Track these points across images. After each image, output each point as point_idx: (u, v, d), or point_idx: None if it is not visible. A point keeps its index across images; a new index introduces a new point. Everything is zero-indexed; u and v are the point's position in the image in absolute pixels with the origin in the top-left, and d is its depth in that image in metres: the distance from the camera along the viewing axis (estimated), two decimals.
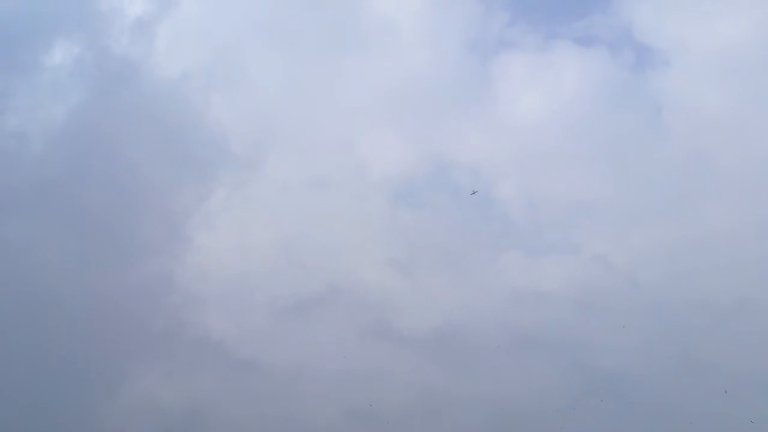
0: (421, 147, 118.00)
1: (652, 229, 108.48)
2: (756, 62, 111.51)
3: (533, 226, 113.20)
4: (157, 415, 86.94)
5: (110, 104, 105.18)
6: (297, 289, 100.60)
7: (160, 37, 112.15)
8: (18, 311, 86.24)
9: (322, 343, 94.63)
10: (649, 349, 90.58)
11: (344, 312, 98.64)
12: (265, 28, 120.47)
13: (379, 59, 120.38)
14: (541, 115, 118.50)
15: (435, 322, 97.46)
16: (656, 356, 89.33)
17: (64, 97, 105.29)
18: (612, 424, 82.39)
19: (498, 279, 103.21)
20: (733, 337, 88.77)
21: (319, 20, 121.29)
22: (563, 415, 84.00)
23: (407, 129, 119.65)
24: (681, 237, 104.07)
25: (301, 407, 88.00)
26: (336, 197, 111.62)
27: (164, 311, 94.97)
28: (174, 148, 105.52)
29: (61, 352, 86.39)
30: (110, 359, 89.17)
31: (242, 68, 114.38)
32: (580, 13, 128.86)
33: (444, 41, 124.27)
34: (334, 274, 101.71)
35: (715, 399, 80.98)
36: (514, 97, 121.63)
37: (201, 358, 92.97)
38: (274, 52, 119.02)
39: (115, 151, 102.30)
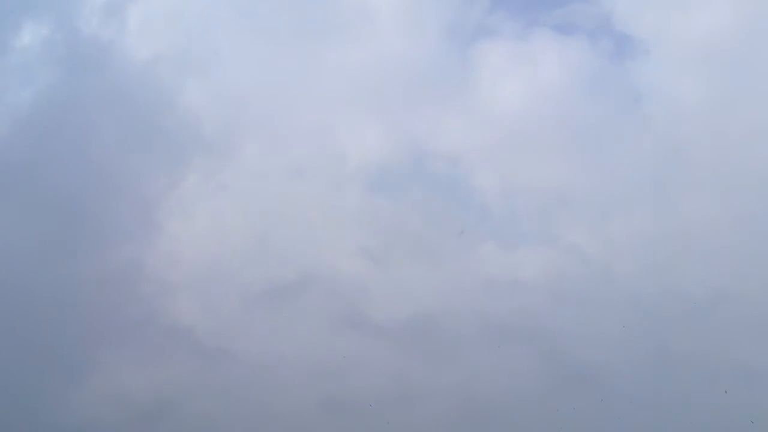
0: (398, 135, 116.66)
1: (629, 220, 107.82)
2: (736, 52, 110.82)
3: (510, 215, 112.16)
4: (127, 404, 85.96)
5: (79, 87, 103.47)
6: (270, 277, 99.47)
7: (131, 18, 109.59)
8: None
9: (295, 332, 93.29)
10: (625, 339, 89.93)
11: (318, 301, 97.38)
12: (240, 11, 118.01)
13: (357, 45, 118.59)
14: (520, 103, 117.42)
15: (409, 311, 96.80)
16: (632, 347, 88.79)
17: (32, 79, 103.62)
18: (587, 414, 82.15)
19: (473, 268, 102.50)
20: (710, 328, 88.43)
21: (296, 3, 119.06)
22: (538, 404, 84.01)
23: (384, 116, 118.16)
24: (658, 228, 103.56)
25: (274, 396, 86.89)
26: (311, 185, 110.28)
27: (134, 299, 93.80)
28: (145, 133, 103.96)
29: (28, 339, 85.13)
30: (78, 347, 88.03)
31: (215, 52, 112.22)
32: (560, 1, 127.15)
33: (422, 27, 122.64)
34: (308, 262, 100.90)
35: (691, 390, 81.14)
36: (493, 85, 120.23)
37: (171, 347, 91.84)
38: (249, 35, 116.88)
39: (84, 135, 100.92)
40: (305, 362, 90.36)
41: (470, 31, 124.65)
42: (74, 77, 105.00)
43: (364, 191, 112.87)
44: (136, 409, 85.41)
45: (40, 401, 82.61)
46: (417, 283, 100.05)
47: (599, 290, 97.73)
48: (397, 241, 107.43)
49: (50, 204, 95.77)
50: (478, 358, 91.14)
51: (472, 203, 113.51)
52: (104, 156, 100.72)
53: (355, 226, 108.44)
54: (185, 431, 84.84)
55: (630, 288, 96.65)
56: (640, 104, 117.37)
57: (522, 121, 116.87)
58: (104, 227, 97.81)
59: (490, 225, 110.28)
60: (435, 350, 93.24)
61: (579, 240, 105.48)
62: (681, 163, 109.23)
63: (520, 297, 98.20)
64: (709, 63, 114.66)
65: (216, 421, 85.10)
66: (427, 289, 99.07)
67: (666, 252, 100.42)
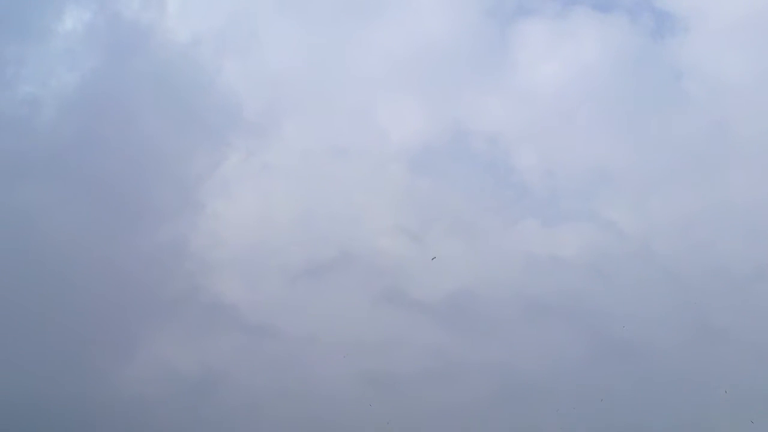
0: (439, 114, 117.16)
1: (669, 197, 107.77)
2: None
3: (550, 193, 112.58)
4: (173, 380, 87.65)
5: (122, 70, 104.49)
6: (312, 254, 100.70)
7: (171, 1, 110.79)
8: (31, 279, 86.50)
9: (336, 308, 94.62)
10: (665, 316, 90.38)
11: (358, 278, 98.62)
12: None
13: (397, 25, 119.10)
14: (560, 82, 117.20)
15: (449, 288, 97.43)
16: (672, 323, 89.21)
17: (76, 63, 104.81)
18: (628, 390, 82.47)
19: (513, 246, 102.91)
20: (751, 304, 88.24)
21: None
22: (578, 380, 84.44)
23: (425, 97, 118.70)
24: (699, 205, 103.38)
25: (315, 372, 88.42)
26: (353, 164, 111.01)
27: (178, 277, 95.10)
28: (186, 114, 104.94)
29: (76, 318, 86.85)
30: (125, 325, 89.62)
31: (255, 33, 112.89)
32: None
33: (462, 7, 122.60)
34: (349, 240, 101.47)
35: (731, 365, 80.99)
36: (533, 64, 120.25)
37: (215, 324, 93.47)
38: (289, 16, 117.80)
39: (127, 117, 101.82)
40: (346, 338, 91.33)
41: (510, 10, 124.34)
42: (116, 60, 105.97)
43: (405, 170, 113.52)
44: (182, 383, 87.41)
45: (91, 377, 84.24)
46: (457, 260, 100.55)
47: (639, 267, 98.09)
48: (437, 219, 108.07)
49: (96, 185, 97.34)
50: (518, 335, 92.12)
51: (511, 181, 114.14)
52: (147, 137, 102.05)
53: (396, 204, 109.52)
54: (231, 405, 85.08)
55: (670, 264, 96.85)
56: (681, 81, 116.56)
57: (562, 99, 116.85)
58: (149, 207, 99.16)
59: (529, 202, 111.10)
60: (475, 327, 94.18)
61: (619, 217, 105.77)
62: (722, 139, 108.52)
63: (560, 274, 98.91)
64: (750, 39, 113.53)
65: (260, 395, 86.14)
66: (467, 267, 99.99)
67: (707, 229, 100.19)
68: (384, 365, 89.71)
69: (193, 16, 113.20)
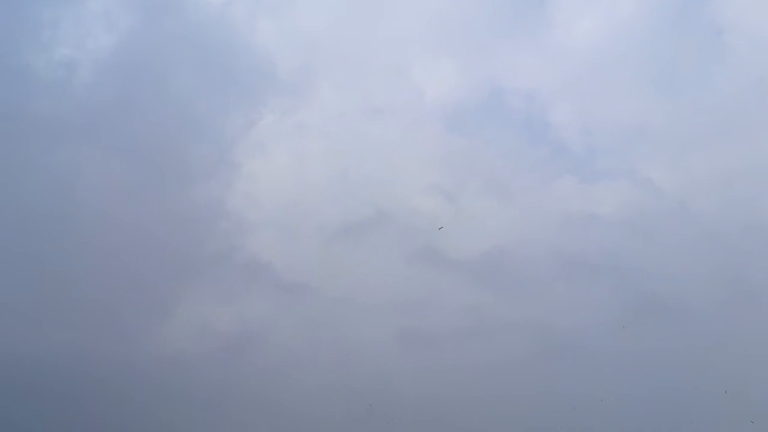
0: (474, 73, 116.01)
1: (708, 154, 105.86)
2: None
3: (587, 150, 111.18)
4: (211, 337, 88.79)
5: (157, 31, 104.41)
6: (347, 214, 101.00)
7: None
8: (70, 240, 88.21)
9: (371, 267, 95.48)
10: (702, 274, 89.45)
11: (394, 236, 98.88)
12: None
13: None
14: (598, 37, 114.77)
15: (484, 246, 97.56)
16: (710, 280, 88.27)
17: (112, 25, 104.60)
18: (665, 347, 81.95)
19: (549, 204, 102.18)
20: None
21: None
22: (615, 338, 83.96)
23: (460, 54, 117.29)
24: (738, 162, 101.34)
25: (352, 329, 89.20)
26: (388, 124, 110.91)
27: (215, 237, 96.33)
28: (220, 75, 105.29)
29: (115, 279, 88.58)
30: (163, 285, 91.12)
31: None
32: None
33: None
34: (385, 199, 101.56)
35: None
36: (570, 20, 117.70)
37: (251, 283, 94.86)
38: None
39: (163, 78, 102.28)
40: (382, 296, 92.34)
41: None
42: (152, 22, 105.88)
43: (440, 129, 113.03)
44: (221, 340, 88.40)
45: (131, 335, 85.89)
46: (492, 218, 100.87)
47: (677, 224, 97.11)
48: (472, 178, 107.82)
49: (133, 146, 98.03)
50: (554, 293, 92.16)
51: (548, 138, 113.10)
52: (182, 98, 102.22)
53: (431, 163, 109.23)
54: (268, 362, 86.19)
55: (708, 222, 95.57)
56: (722, 36, 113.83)
57: (600, 55, 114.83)
58: (185, 168, 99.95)
59: (566, 160, 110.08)
60: (510, 285, 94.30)
61: (657, 174, 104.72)
62: (763, 96, 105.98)
63: (597, 232, 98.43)
64: None
65: (297, 353, 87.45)
66: (502, 225, 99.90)
67: (746, 186, 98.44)
68: (419, 324, 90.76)
69: None
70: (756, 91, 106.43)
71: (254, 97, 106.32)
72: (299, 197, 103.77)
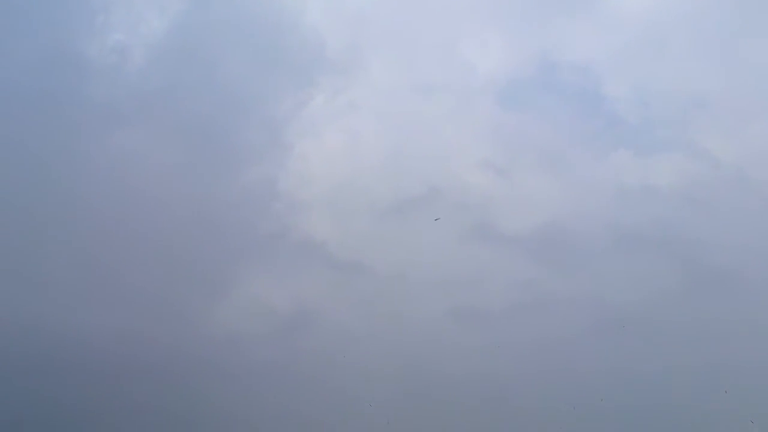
0: (526, 46, 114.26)
1: (767, 124, 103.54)
2: None
3: (643, 122, 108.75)
4: (267, 316, 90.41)
5: (207, 13, 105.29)
6: (400, 191, 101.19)
7: None
8: (127, 223, 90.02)
9: (424, 244, 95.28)
10: (761, 245, 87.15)
11: (446, 214, 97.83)
12: None
13: None
14: (652, 5, 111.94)
15: (538, 221, 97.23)
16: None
17: (163, 8, 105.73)
18: (724, 320, 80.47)
19: (604, 177, 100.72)
20: None
21: None
22: (673, 311, 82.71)
23: (512, 28, 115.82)
24: None
25: (406, 306, 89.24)
26: (440, 100, 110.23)
27: (268, 217, 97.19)
28: (271, 56, 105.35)
29: (173, 260, 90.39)
30: (219, 265, 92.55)
31: None
32: None
33: None
34: (437, 176, 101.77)
35: None
36: None
37: (305, 262, 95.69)
38: None
39: (214, 61, 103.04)
40: (435, 273, 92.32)
41: None
42: (202, 5, 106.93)
43: (492, 104, 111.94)
44: (277, 320, 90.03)
45: (187, 315, 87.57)
46: (546, 193, 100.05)
47: (735, 196, 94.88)
48: (525, 153, 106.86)
49: (186, 129, 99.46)
50: (610, 267, 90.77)
51: (602, 111, 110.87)
52: (233, 80, 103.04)
53: (483, 139, 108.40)
54: (324, 340, 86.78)
55: (767, 193, 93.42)
56: None
57: (655, 24, 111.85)
58: (237, 149, 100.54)
59: (621, 132, 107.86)
60: (565, 259, 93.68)
61: (714, 145, 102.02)
62: None
63: (653, 204, 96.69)
64: None
65: (352, 331, 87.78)
66: (556, 199, 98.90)
67: None
68: (473, 300, 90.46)
69: None
70: None
71: (304, 77, 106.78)
72: (351, 176, 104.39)
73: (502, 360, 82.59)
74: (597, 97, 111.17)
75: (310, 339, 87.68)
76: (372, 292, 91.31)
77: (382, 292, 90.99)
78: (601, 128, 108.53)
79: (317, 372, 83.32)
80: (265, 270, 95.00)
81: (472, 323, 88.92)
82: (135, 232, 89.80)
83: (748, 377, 74.53)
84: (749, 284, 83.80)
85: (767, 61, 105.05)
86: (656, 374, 77.12)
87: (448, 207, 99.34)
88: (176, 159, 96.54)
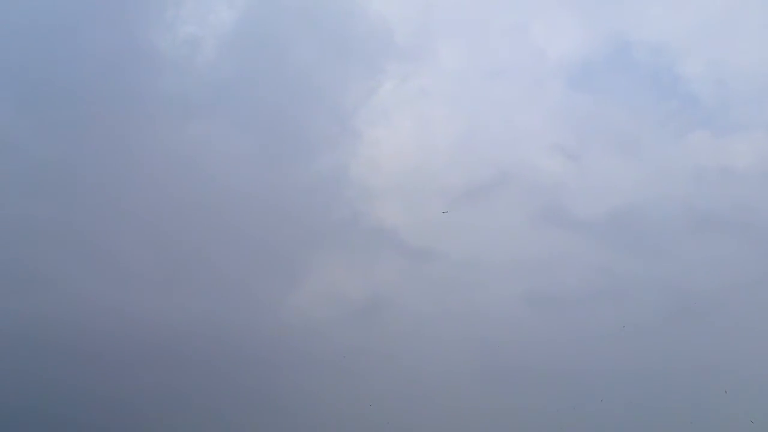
0: (598, 27, 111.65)
1: None
2: None
3: (720, 102, 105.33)
4: (340, 302, 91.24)
5: (275, 3, 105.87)
6: (471, 177, 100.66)
7: None
8: (202, 213, 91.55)
9: (496, 230, 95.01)
10: None
11: (518, 199, 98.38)
12: None
13: None
14: None
15: (612, 205, 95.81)
16: None
17: (232, 1, 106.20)
18: None
19: (681, 159, 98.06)
20: None
21: None
22: (754, 296, 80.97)
23: (583, 9, 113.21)
24: None
25: (478, 292, 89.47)
26: (510, 85, 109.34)
27: (340, 204, 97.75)
28: (339, 43, 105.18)
29: (246, 248, 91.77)
30: (292, 253, 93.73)
31: None
32: None
33: None
34: (508, 161, 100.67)
35: None
36: None
37: (377, 249, 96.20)
38: None
39: (283, 51, 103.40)
40: (507, 259, 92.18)
41: None
42: None
43: (564, 87, 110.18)
44: (349, 306, 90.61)
45: (262, 302, 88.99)
46: (619, 176, 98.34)
47: None
48: (598, 135, 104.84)
49: (257, 119, 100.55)
50: (687, 251, 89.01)
51: (678, 92, 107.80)
52: (303, 69, 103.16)
53: (554, 122, 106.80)
54: (396, 327, 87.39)
55: None
56: None
57: (731, 0, 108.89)
58: (308, 138, 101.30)
59: (698, 113, 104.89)
60: (641, 244, 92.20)
61: None
62: None
63: (733, 186, 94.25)
64: None
65: (424, 317, 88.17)
66: (630, 182, 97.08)
67: None
68: (547, 285, 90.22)
69: None
70: None
71: (373, 64, 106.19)
72: (422, 162, 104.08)
73: (576, 345, 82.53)
74: (672, 77, 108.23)
75: (383, 325, 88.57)
76: (444, 278, 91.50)
77: (454, 278, 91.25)
78: (676, 109, 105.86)
79: (390, 357, 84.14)
80: (338, 257, 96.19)
81: (545, 308, 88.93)
82: (211, 222, 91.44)
83: None
84: None
85: None
86: (736, 361, 75.57)
87: (519, 191, 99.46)
88: (249, 148, 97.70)
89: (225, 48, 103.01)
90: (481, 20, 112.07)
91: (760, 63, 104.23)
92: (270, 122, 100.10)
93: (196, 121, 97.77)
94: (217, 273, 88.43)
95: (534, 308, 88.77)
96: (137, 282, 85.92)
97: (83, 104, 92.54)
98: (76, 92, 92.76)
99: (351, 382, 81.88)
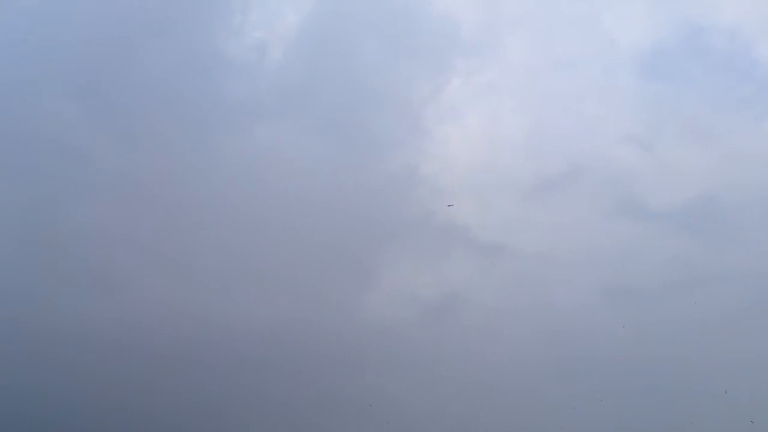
0: (669, 13, 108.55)
1: None
2: None
3: None
4: (414, 301, 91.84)
5: (340, 4, 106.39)
6: (541, 171, 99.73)
7: None
8: (273, 215, 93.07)
9: (569, 223, 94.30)
10: None
11: (591, 191, 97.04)
12: None
13: None
14: None
15: (688, 194, 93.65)
16: None
17: (298, 4, 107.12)
18: None
19: (759, 146, 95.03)
20: None
21: None
22: None
23: None
24: None
25: (553, 288, 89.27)
26: (581, 75, 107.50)
27: (411, 203, 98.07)
28: (404, 41, 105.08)
29: (318, 249, 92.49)
30: (365, 252, 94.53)
31: None
32: None
33: None
34: (579, 153, 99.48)
35: None
36: None
37: (449, 246, 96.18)
38: None
39: (349, 51, 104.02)
40: (582, 252, 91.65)
41: None
42: None
43: (635, 76, 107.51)
44: (423, 304, 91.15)
45: (336, 303, 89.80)
46: (695, 165, 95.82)
47: None
48: (671, 124, 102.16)
49: (326, 120, 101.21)
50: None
51: (754, 76, 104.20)
52: (369, 68, 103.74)
53: (627, 112, 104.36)
54: (470, 324, 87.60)
55: None
56: None
57: None
58: (377, 137, 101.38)
59: None
60: (721, 233, 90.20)
61: None
62: None
63: None
64: None
65: (499, 313, 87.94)
66: (707, 170, 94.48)
67: None
68: (624, 278, 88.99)
69: None
70: None
71: (440, 61, 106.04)
72: (492, 157, 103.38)
73: (655, 339, 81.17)
74: (748, 62, 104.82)
75: (457, 323, 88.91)
76: (517, 274, 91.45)
77: (527, 273, 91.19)
78: (753, 94, 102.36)
79: (466, 354, 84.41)
80: (411, 255, 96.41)
81: (622, 301, 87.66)
82: (283, 224, 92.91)
83: None
84: None
85: None
86: None
87: (592, 183, 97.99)
88: (318, 150, 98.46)
89: (292, 51, 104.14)
90: (549, 11, 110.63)
91: None
92: (338, 123, 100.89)
93: (265, 125, 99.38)
94: (293, 276, 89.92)
95: (610, 301, 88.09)
96: (217, 288, 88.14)
97: (153, 112, 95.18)
98: (146, 100, 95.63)
99: (428, 381, 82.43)
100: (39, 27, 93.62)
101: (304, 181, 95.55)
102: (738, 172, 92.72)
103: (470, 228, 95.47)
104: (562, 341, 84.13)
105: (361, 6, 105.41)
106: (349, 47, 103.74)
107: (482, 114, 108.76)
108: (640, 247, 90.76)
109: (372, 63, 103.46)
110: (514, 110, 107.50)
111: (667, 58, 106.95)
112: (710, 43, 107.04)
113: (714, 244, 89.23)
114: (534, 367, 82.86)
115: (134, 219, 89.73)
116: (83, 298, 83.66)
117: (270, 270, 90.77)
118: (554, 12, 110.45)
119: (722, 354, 76.81)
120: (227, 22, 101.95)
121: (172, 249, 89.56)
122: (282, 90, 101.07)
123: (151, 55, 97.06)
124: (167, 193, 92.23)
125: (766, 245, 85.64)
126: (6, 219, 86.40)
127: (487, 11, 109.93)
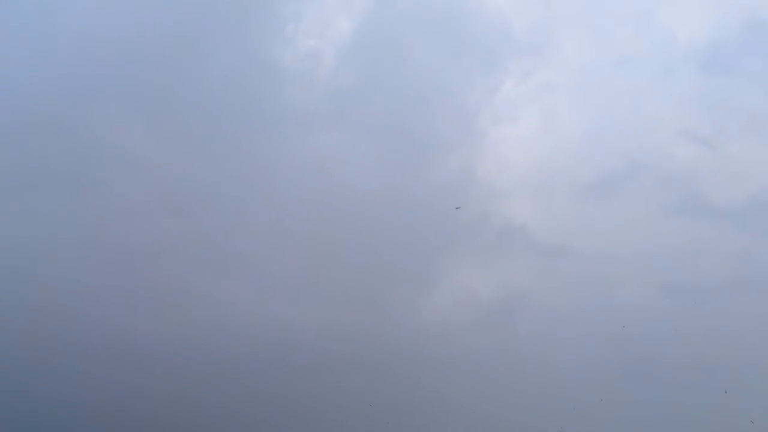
0: (729, 6, 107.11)
1: None
2: None
3: None
4: (474, 305, 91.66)
5: (391, 9, 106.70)
6: (600, 170, 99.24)
7: None
8: (331, 220, 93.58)
9: (629, 222, 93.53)
10: None
11: (650, 189, 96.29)
12: None
13: None
14: None
15: (751, 192, 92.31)
16: None
17: (350, 10, 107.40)
18: None
19: None
20: None
21: None
22: None
23: None
24: None
25: (614, 288, 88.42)
26: (638, 72, 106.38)
27: (469, 205, 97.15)
28: (457, 43, 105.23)
29: (376, 253, 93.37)
30: (424, 256, 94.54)
31: None
32: None
33: None
34: (638, 151, 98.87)
35: None
36: None
37: (508, 248, 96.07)
38: None
39: (402, 55, 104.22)
40: (642, 251, 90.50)
41: None
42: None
43: (695, 71, 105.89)
44: (483, 308, 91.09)
45: (394, 308, 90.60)
46: (758, 160, 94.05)
47: None
48: (732, 119, 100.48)
49: (381, 125, 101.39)
50: None
51: None
52: (423, 71, 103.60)
53: (686, 108, 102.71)
54: (531, 326, 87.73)
55: None
56: None
57: None
58: (434, 140, 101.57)
59: None
60: None
61: None
62: None
63: None
64: None
65: (560, 315, 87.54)
66: None
67: None
68: (686, 276, 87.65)
69: None
70: None
71: (494, 61, 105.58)
72: (549, 157, 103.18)
73: (719, 340, 79.96)
74: None
75: (517, 325, 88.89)
76: (577, 274, 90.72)
77: (587, 274, 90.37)
78: None
79: (527, 357, 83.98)
80: (469, 259, 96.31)
81: (685, 300, 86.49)
82: (342, 229, 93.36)
83: None
84: None
85: None
86: None
87: (652, 181, 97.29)
88: (373, 155, 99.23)
89: (345, 58, 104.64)
90: (603, 7, 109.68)
91: None
92: (394, 127, 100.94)
93: (321, 132, 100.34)
94: (347, 281, 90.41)
95: (672, 300, 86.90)
96: (274, 294, 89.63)
97: (211, 120, 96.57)
98: (203, 109, 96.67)
99: (489, 387, 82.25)
100: (99, 40, 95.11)
101: (362, 186, 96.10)
102: None
103: (529, 229, 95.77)
104: (623, 341, 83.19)
105: (413, 10, 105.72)
106: (402, 52, 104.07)
107: (538, 114, 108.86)
108: (701, 245, 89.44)
109: (425, 67, 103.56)
110: (571, 109, 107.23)
111: (727, 53, 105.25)
112: None
113: None
114: (595, 367, 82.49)
115: (196, 226, 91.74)
116: (160, 309, 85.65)
117: (330, 277, 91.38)
118: (609, 8, 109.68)
119: None
120: (280, 31, 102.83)
121: (234, 254, 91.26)
122: (337, 96, 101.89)
123: (207, 66, 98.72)
124: (227, 199, 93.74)
125: None
126: (68, 231, 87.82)
127: (540, 11, 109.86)
